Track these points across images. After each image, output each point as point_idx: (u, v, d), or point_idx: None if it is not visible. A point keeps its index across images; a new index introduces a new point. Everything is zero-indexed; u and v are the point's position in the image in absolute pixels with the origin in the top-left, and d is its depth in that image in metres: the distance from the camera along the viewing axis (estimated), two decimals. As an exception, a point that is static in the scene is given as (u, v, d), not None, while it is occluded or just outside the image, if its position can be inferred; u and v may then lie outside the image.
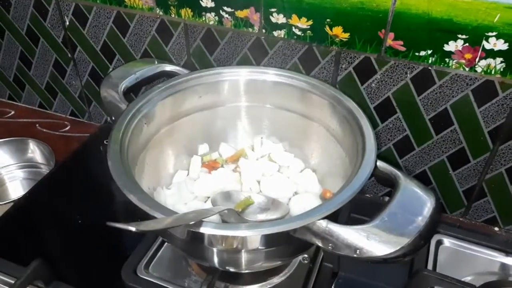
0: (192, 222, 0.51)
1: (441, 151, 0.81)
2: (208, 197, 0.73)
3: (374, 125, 0.80)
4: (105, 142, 0.95)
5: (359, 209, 0.71)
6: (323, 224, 0.53)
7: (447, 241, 0.79)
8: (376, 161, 0.61)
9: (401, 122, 0.80)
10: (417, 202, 0.56)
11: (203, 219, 0.52)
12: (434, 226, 0.53)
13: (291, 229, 0.53)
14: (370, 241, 0.51)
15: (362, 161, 0.60)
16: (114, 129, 0.65)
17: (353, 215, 0.77)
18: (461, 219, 0.87)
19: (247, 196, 0.70)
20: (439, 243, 0.78)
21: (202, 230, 0.52)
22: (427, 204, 0.56)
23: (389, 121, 0.81)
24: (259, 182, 0.76)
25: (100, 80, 1.01)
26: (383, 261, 0.51)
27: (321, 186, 0.76)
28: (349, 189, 0.56)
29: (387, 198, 0.85)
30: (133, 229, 0.44)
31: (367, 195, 0.91)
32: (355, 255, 0.51)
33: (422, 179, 0.85)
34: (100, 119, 1.11)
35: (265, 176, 0.77)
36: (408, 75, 0.75)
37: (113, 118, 0.70)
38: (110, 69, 0.99)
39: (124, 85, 0.75)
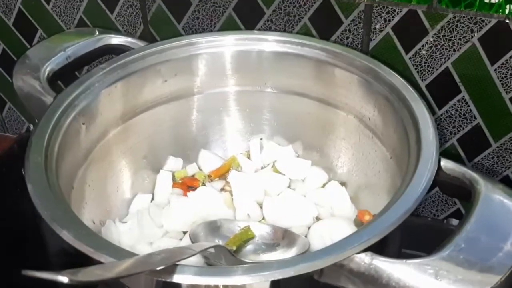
0: (161, 267, 0.48)
1: (530, 146, 0.80)
2: (186, 232, 0.72)
3: (428, 111, 0.80)
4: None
5: (412, 240, 0.69)
6: (366, 258, 0.51)
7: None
8: (439, 160, 0.59)
9: (468, 106, 0.79)
10: (507, 219, 0.54)
11: (177, 262, 0.50)
12: None
13: (315, 270, 0.51)
14: (441, 282, 0.49)
15: (418, 163, 0.59)
16: (35, 134, 0.64)
17: (404, 250, 0.76)
18: None
19: (244, 227, 0.69)
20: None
21: (178, 279, 0.49)
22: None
23: (450, 106, 0.80)
24: (261, 205, 0.76)
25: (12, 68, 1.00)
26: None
27: (355, 207, 0.75)
28: (400, 205, 0.54)
29: (455, 222, 0.85)
30: (65, 280, 0.41)
31: (424, 217, 0.90)
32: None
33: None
34: (19, 127, 1.10)
35: (269, 195, 0.77)
36: (476, 34, 0.74)
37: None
38: (29, 50, 0.98)
39: (48, 67, 0.74)
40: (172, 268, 0.50)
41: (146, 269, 0.48)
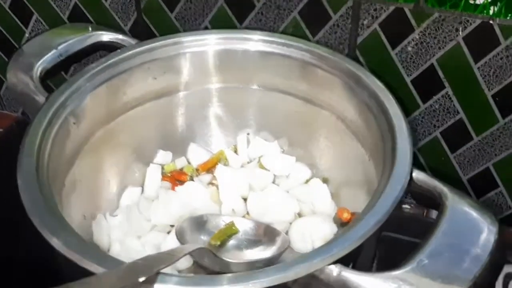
0: (143, 278, 0.50)
1: (510, 141, 0.81)
2: (173, 226, 0.73)
3: (413, 106, 0.81)
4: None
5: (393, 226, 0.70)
6: (335, 270, 0.53)
7: (521, 275, 0.79)
8: (411, 172, 0.61)
9: (452, 101, 0.80)
10: (471, 233, 0.56)
11: (160, 270, 0.52)
12: (495, 268, 0.54)
13: (289, 280, 0.52)
14: (406, 294, 0.51)
15: (392, 171, 0.60)
16: (28, 135, 0.65)
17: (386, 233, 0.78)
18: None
19: (229, 222, 0.71)
20: (509, 277, 0.78)
21: (159, 287, 0.51)
22: (486, 236, 0.56)
23: (435, 100, 0.81)
24: (245, 200, 0.77)
25: (10, 51, 0.98)
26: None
27: (335, 204, 0.76)
28: (371, 217, 0.56)
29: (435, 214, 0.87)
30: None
31: (406, 208, 0.90)
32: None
33: (484, 180, 0.85)
34: (17, 105, 1.11)
35: (254, 190, 0.78)
36: (460, 33, 0.74)
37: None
38: (26, 35, 0.99)
39: (41, 66, 0.75)
40: (154, 277, 0.51)
41: (128, 282, 0.49)
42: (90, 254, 0.54)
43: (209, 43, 0.78)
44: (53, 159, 0.65)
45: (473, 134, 0.82)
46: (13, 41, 1.00)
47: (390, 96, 0.68)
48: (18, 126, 1.03)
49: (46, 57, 0.76)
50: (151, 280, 0.51)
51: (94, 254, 0.54)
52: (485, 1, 0.71)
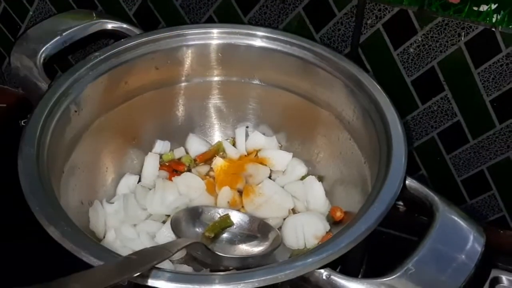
0: (137, 274, 0.51)
1: (506, 146, 0.82)
2: (168, 215, 0.74)
3: (412, 106, 0.82)
4: (22, 123, 0.97)
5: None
6: (324, 274, 0.55)
7: (507, 280, 0.80)
8: (405, 179, 0.62)
9: (450, 104, 0.81)
10: (459, 243, 0.57)
11: (156, 265, 0.53)
12: (481, 279, 0.55)
13: (278, 281, 0.54)
14: (391, 303, 0.53)
15: (386, 178, 0.61)
16: (28, 125, 0.65)
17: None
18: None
19: (224, 214, 0.72)
20: (495, 282, 0.79)
21: (152, 283, 0.53)
22: (473, 247, 0.57)
23: (433, 102, 0.82)
24: (241, 193, 0.78)
25: (13, 28, 1.00)
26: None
27: (329, 202, 0.77)
28: (362, 223, 0.57)
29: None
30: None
31: (399, 205, 0.91)
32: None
33: (478, 182, 0.86)
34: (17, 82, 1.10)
35: (250, 184, 0.79)
36: (462, 39, 0.75)
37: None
38: (30, 13, 0.98)
39: (45, 53, 0.75)
40: (149, 272, 0.52)
41: (123, 277, 0.50)
42: (87, 245, 0.55)
43: (212, 37, 0.79)
44: (53, 147, 0.66)
45: (470, 137, 0.83)
46: (16, 18, 1.00)
47: (390, 104, 0.69)
48: (20, 103, 1.03)
49: (50, 43, 0.76)
50: (146, 275, 0.52)
51: (90, 246, 0.55)
52: (489, 9, 0.72)
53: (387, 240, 0.81)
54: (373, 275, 0.56)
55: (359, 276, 0.67)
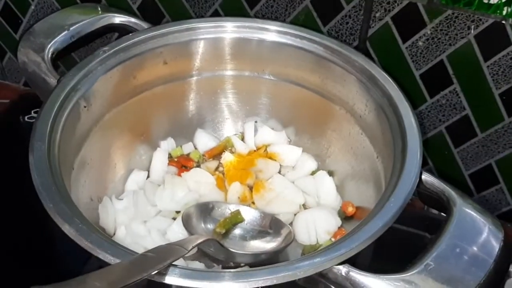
0: (155, 271, 0.51)
1: (515, 140, 0.82)
2: (179, 212, 0.74)
3: (420, 100, 0.82)
4: (25, 119, 0.96)
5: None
6: (343, 270, 0.55)
7: (517, 273, 0.80)
8: (421, 174, 0.62)
9: (459, 98, 0.81)
10: (477, 239, 0.57)
11: (172, 262, 0.53)
12: (500, 274, 0.55)
13: (297, 278, 0.54)
14: (411, 298, 0.53)
15: (401, 175, 0.61)
16: (39, 120, 0.65)
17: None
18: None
19: (235, 210, 0.72)
20: (506, 276, 0.79)
21: (169, 280, 0.52)
22: (492, 243, 0.57)
23: (442, 95, 0.82)
24: (251, 188, 0.78)
25: (15, 22, 1.00)
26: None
27: (340, 197, 0.77)
28: (379, 219, 0.57)
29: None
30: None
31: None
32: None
33: (485, 175, 0.87)
34: (19, 76, 1.10)
35: (260, 179, 0.79)
36: (472, 32, 0.75)
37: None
38: (31, 7, 0.97)
39: (52, 48, 0.75)
40: (166, 269, 0.52)
41: (141, 275, 0.50)
42: (102, 243, 0.55)
43: (224, 31, 0.79)
44: (63, 143, 0.66)
45: (478, 131, 0.83)
46: (18, 13, 1.00)
47: (403, 97, 0.69)
48: (22, 101, 1.03)
49: (58, 38, 0.76)
50: (163, 272, 0.52)
51: (105, 243, 0.55)
52: (499, 1, 0.72)
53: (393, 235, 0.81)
54: (381, 271, 0.56)
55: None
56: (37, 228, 0.80)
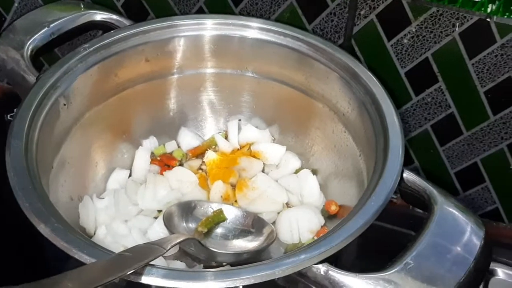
0: (131, 271, 0.51)
1: (499, 137, 0.82)
2: (160, 211, 0.74)
3: (405, 98, 0.82)
4: (9, 118, 0.95)
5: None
6: (322, 269, 0.54)
7: (502, 272, 0.80)
8: (402, 172, 0.61)
9: (444, 95, 0.81)
10: (458, 237, 0.57)
11: (149, 262, 0.52)
12: (480, 274, 0.55)
13: (275, 277, 0.53)
14: (389, 296, 0.52)
15: (383, 171, 0.61)
16: (16, 118, 0.64)
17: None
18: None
19: (217, 209, 0.72)
20: (490, 274, 0.79)
21: (146, 280, 0.52)
22: (472, 241, 0.57)
23: (427, 93, 0.82)
24: (234, 187, 0.77)
25: (-1, 20, 0.99)
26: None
27: (323, 195, 0.77)
28: (359, 217, 0.57)
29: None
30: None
31: (392, 198, 0.91)
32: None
33: (471, 174, 0.86)
34: (3, 76, 1.08)
35: (243, 178, 0.78)
36: (457, 29, 0.75)
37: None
38: (15, 5, 0.97)
39: (32, 44, 0.74)
40: (142, 269, 0.51)
41: (116, 275, 0.50)
42: (78, 243, 0.54)
43: (205, 28, 0.78)
44: (42, 141, 0.65)
45: (463, 129, 0.83)
46: (1, 10, 0.99)
47: (386, 95, 0.69)
48: (6, 98, 1.02)
49: (37, 35, 0.76)
50: (139, 272, 0.52)
51: (81, 243, 0.54)
52: (484, -1, 0.71)
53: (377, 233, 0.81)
54: (365, 269, 0.56)
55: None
56: (24, 228, 0.79)
